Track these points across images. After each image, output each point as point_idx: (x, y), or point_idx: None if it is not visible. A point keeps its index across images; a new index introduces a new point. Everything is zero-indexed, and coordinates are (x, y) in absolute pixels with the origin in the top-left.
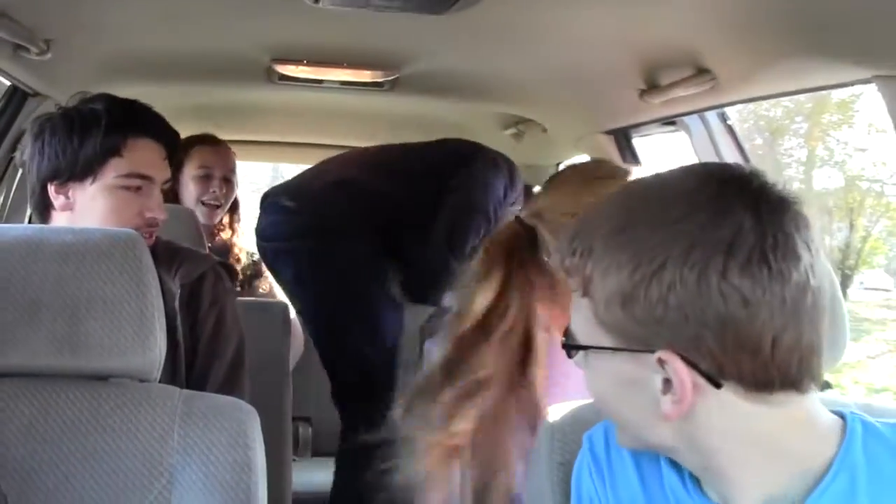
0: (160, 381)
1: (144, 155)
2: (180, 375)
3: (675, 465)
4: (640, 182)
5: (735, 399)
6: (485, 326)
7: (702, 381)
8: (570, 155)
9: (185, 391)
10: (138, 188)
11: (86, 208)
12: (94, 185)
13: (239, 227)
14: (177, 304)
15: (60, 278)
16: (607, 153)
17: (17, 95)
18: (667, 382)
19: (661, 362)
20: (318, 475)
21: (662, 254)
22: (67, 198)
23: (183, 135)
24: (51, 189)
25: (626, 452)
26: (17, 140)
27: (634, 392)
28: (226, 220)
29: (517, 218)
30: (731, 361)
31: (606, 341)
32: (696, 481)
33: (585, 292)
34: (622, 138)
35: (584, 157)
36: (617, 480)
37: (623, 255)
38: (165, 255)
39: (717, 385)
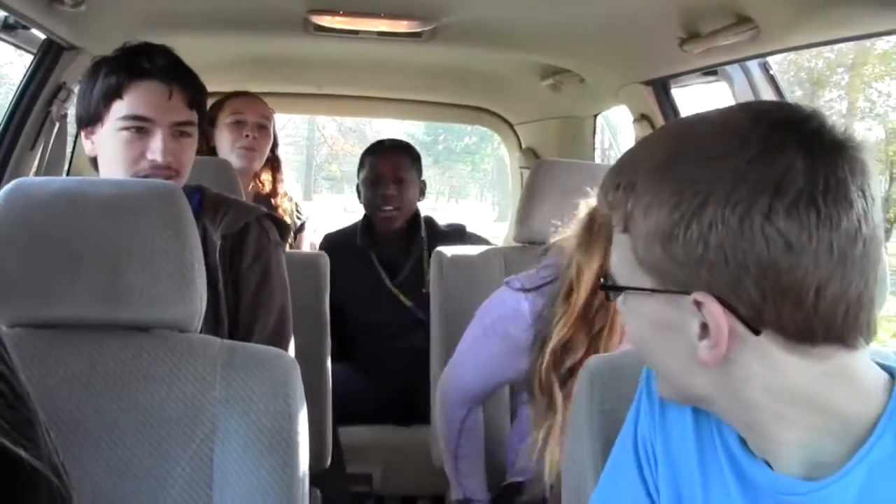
0: (202, 333)
1: (145, 96)
2: (223, 328)
3: None
4: (689, 118)
5: (774, 349)
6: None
7: (740, 328)
8: (608, 106)
9: (226, 341)
10: (139, 129)
11: (102, 153)
12: (103, 128)
13: (281, 186)
14: (217, 255)
15: (101, 231)
16: (646, 104)
17: (53, 49)
18: (704, 327)
19: (697, 305)
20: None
21: (705, 191)
22: (93, 143)
23: (220, 88)
24: (82, 136)
25: None
26: (55, 95)
27: (672, 337)
28: (268, 177)
29: None
30: (771, 309)
31: (645, 282)
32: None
33: (626, 228)
34: (661, 89)
35: (622, 109)
36: (669, 425)
37: (665, 191)
38: (211, 205)
39: (756, 332)
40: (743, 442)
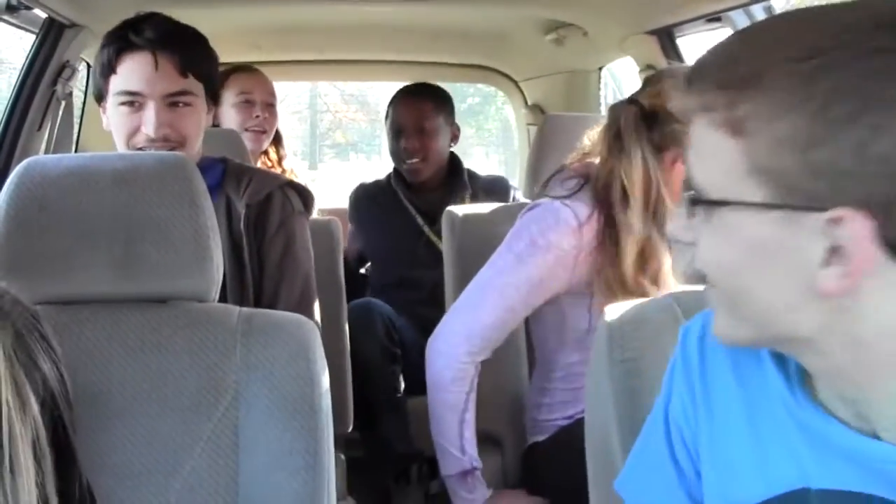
0: (228, 303)
1: (134, 70)
2: (248, 297)
3: (780, 365)
4: (832, 4)
5: None
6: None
7: (880, 255)
8: (613, 58)
9: (245, 309)
10: (131, 104)
11: (112, 127)
12: (107, 103)
13: (285, 162)
14: (242, 225)
15: (115, 205)
16: (651, 54)
17: (55, 28)
18: (832, 251)
19: (833, 223)
20: None
21: (866, 90)
22: (107, 118)
23: (225, 58)
24: (101, 111)
25: (722, 350)
26: (59, 73)
27: (778, 263)
28: (273, 155)
29: (635, 101)
30: None
31: (756, 195)
32: (803, 386)
33: (738, 131)
34: (666, 38)
35: (627, 61)
36: (711, 381)
37: (807, 89)
38: (234, 175)
39: None
40: (804, 388)
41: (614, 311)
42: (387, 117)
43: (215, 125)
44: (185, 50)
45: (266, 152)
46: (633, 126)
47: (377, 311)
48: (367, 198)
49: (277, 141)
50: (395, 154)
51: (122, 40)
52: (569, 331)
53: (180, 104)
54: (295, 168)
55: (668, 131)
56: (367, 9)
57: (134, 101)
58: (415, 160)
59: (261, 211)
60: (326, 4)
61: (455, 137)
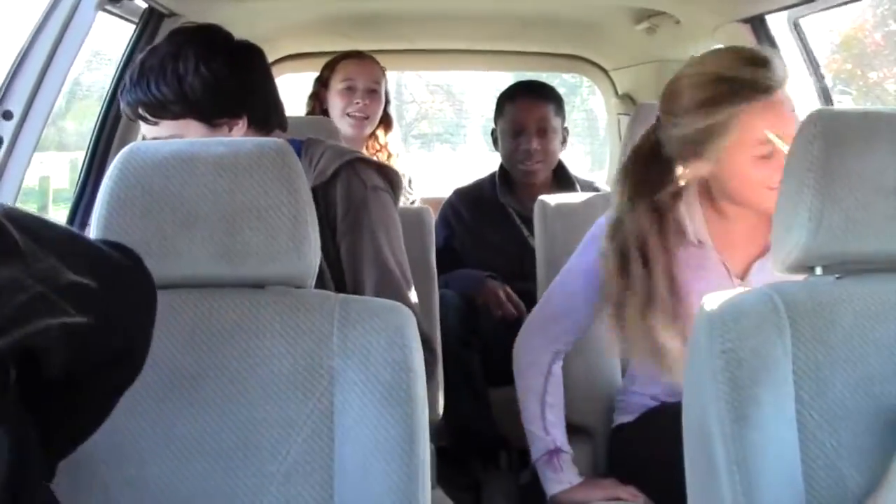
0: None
1: None
2: (327, 282)
3: None
4: None
5: None
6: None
7: None
8: (705, 46)
9: (342, 295)
10: None
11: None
12: None
13: (391, 146)
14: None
15: (215, 190)
16: (745, 42)
17: (154, 17)
18: None
19: None
20: None
21: None
22: None
23: (312, 48)
24: None
25: None
26: None
27: None
28: (382, 140)
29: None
30: None
31: None
32: None
33: None
34: (759, 26)
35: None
36: None
37: None
38: (307, 155)
39: None
40: None
41: (713, 300)
42: (499, 115)
43: (324, 110)
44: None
45: (376, 136)
46: None
47: (446, 299)
48: (468, 204)
49: (387, 125)
50: (511, 154)
51: None
52: None
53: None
54: (402, 153)
55: None
56: None
57: None
58: (534, 161)
59: (326, 191)
60: None
61: (564, 140)
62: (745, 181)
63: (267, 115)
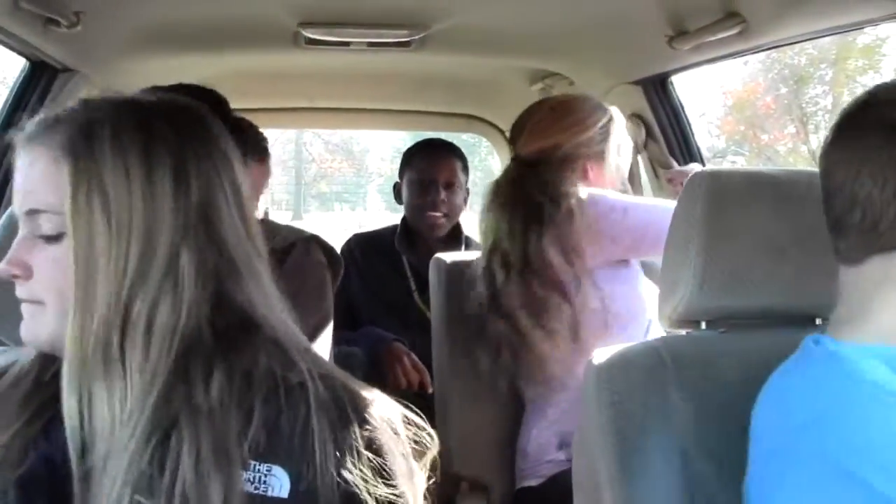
0: None
1: None
2: None
3: None
4: None
5: None
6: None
7: None
8: None
9: None
10: None
11: None
12: None
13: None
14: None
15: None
16: (637, 103)
17: (47, 72)
18: None
19: None
20: None
21: None
22: None
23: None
24: None
25: None
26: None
27: None
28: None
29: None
30: None
31: None
32: None
33: None
34: (651, 88)
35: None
36: None
37: None
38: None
39: None
40: None
41: (601, 354)
42: (406, 167)
43: None
44: None
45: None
46: None
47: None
48: (364, 247)
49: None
50: (418, 208)
51: None
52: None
53: None
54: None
55: None
56: (355, 57)
57: None
58: (439, 214)
59: (281, 261)
60: (314, 53)
61: (466, 198)
62: None
63: None
